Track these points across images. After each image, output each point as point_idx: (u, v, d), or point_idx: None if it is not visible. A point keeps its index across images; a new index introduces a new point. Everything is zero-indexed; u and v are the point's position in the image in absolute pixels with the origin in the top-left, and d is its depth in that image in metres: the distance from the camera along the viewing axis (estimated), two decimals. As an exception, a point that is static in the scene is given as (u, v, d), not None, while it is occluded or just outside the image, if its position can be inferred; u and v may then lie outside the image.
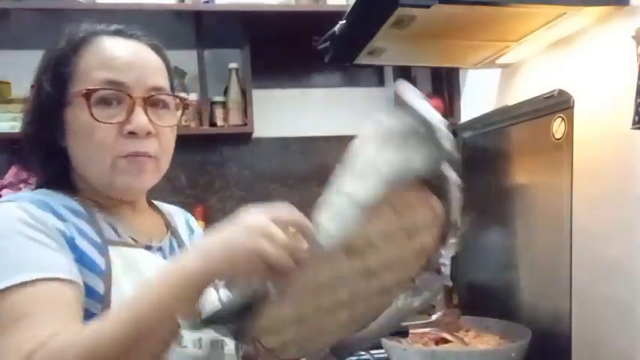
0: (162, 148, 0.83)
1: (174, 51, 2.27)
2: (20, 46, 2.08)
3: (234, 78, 2.14)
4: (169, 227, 0.93)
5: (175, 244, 0.91)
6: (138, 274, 0.78)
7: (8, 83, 2.12)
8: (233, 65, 2.15)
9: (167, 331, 0.64)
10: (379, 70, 2.43)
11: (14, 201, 0.77)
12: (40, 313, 0.68)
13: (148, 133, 0.80)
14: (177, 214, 1.00)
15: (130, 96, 0.79)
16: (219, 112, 2.13)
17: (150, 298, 0.64)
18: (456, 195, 0.73)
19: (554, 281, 1.19)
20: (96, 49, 0.82)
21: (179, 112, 0.87)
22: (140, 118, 0.79)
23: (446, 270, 0.78)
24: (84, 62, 0.81)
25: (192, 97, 2.12)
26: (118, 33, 0.84)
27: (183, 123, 2.08)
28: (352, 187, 0.62)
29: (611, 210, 1.20)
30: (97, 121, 0.78)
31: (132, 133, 0.79)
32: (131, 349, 0.62)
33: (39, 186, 0.87)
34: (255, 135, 2.22)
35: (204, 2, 1.99)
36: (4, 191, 1.99)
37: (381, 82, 2.44)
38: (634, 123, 1.02)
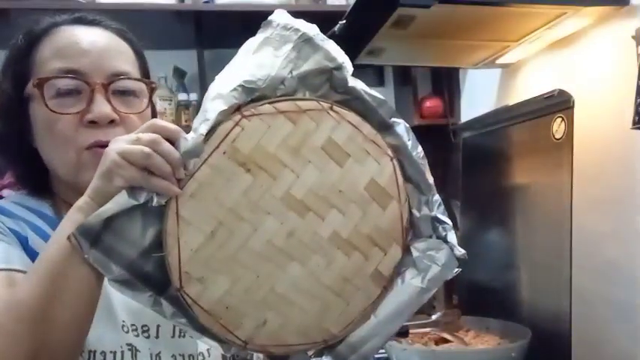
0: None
1: (174, 51, 2.29)
2: (20, 46, 2.08)
3: (234, 78, 2.14)
4: None
5: None
6: None
7: (8, 83, 2.12)
8: (233, 65, 2.15)
9: (77, 274, 0.60)
10: (379, 70, 2.43)
11: None
12: None
13: (112, 122, 0.75)
14: None
15: (87, 83, 0.74)
16: (219, 112, 2.13)
17: (51, 239, 0.63)
18: (394, 119, 0.68)
19: (554, 281, 1.19)
20: (53, 39, 0.77)
21: (145, 95, 0.81)
22: (101, 106, 0.74)
23: (451, 236, 0.67)
24: (40, 54, 0.76)
25: (193, 97, 2.12)
26: (78, 21, 0.80)
27: (184, 123, 2.09)
28: (217, 89, 0.60)
29: (611, 210, 1.20)
30: (54, 112, 0.73)
31: (93, 122, 0.74)
32: (48, 296, 0.60)
33: (15, 189, 0.84)
34: (255, 135, 2.22)
35: (204, 2, 2.00)
36: (4, 191, 1.99)
37: (381, 82, 2.44)
38: (634, 123, 1.02)
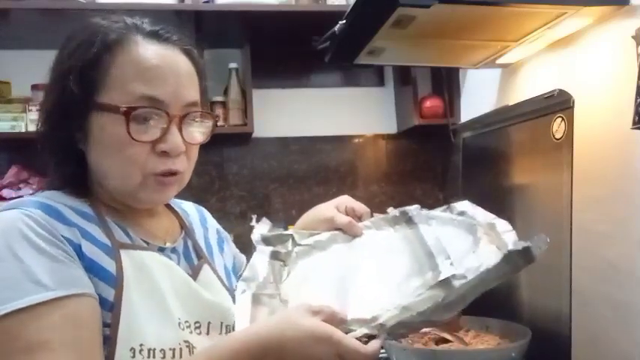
0: (189, 164, 0.83)
1: (175, 51, 2.30)
2: (20, 46, 2.08)
3: (234, 78, 2.15)
4: (184, 227, 0.93)
5: (190, 244, 0.90)
6: (149, 280, 0.77)
7: (8, 83, 2.12)
8: (233, 65, 2.15)
9: None
10: (379, 70, 2.43)
11: (20, 207, 0.73)
12: (59, 344, 0.65)
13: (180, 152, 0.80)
14: (191, 212, 0.99)
15: (167, 114, 0.77)
16: (219, 112, 2.13)
17: None
18: None
19: (554, 281, 1.19)
20: (131, 55, 0.77)
21: (209, 126, 0.85)
22: (175, 139, 0.78)
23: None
24: (118, 69, 0.77)
25: (192, 97, 2.12)
26: (153, 35, 0.81)
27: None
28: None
29: (611, 210, 1.20)
30: (133, 139, 0.75)
31: (164, 152, 0.78)
32: None
33: (51, 186, 0.83)
34: (255, 135, 2.22)
35: (204, 2, 1.99)
36: (4, 191, 1.99)
37: (381, 82, 2.44)
38: (634, 123, 1.02)
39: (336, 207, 0.99)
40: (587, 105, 1.22)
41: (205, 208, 2.39)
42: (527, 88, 1.52)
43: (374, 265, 0.86)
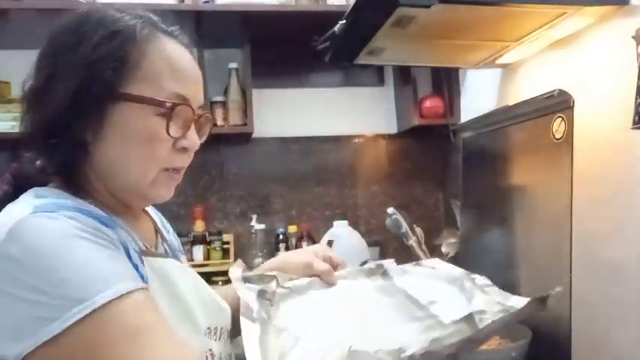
0: (190, 161, 0.84)
1: (174, 51, 2.29)
2: (20, 46, 2.08)
3: (234, 78, 2.15)
4: (157, 229, 0.92)
5: (166, 247, 0.90)
6: (172, 286, 0.75)
7: (8, 83, 2.12)
8: (233, 65, 2.15)
9: None
10: (379, 70, 2.43)
11: (59, 212, 0.67)
12: (156, 323, 0.64)
13: None
14: (153, 214, 0.97)
15: (193, 112, 0.79)
16: (219, 112, 2.13)
17: None
18: None
19: (554, 281, 1.19)
20: (162, 52, 0.77)
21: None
22: (195, 136, 0.80)
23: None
24: (150, 64, 0.75)
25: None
26: (172, 35, 0.80)
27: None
28: None
29: (611, 210, 1.20)
30: (169, 135, 0.75)
31: (184, 149, 0.79)
32: None
33: (28, 177, 0.78)
34: (255, 135, 2.22)
35: (204, 2, 1.99)
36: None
37: (381, 82, 2.44)
38: (634, 123, 1.02)
39: (314, 254, 0.98)
40: (587, 105, 1.22)
41: (205, 208, 2.40)
42: (527, 88, 1.52)
43: (357, 312, 0.87)
